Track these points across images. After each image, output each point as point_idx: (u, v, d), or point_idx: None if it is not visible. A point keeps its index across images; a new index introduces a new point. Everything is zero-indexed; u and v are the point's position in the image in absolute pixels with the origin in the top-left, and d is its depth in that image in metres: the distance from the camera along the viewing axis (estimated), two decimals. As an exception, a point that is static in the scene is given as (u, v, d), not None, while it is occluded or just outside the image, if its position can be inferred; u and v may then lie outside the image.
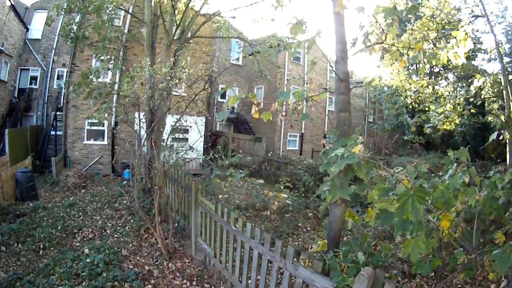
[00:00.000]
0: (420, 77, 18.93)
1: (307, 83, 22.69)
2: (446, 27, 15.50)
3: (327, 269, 3.38)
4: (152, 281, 5.42)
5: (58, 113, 17.17)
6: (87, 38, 10.25)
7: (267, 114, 3.97)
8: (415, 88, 18.05)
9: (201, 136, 8.46)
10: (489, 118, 16.62)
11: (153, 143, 7.32)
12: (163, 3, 11.64)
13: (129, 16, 15.46)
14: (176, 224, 6.99)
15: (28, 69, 19.54)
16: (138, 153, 7.31)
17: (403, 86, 18.75)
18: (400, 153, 22.49)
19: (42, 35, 19.72)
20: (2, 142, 13.62)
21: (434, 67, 23.69)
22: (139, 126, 7.69)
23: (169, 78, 6.65)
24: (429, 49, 5.37)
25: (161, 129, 9.27)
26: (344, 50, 4.51)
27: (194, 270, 5.86)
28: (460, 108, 15.85)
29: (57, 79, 19.33)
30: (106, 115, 7.88)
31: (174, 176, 7.27)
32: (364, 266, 3.15)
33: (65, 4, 9.83)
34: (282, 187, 7.71)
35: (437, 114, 15.76)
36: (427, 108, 18.47)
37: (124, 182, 12.29)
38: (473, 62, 19.81)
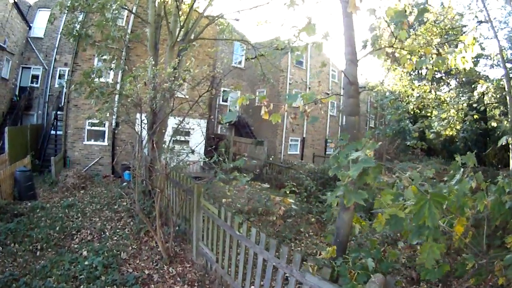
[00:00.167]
0: (423, 83, 18.94)
1: (309, 87, 22.66)
2: (450, 32, 15.48)
3: (336, 276, 3.32)
4: (152, 285, 5.29)
5: (58, 112, 17.05)
6: (90, 37, 10.16)
7: (276, 116, 3.87)
8: (417, 93, 18.01)
9: (203, 139, 8.35)
10: (493, 124, 16.60)
11: (154, 145, 7.21)
12: (167, 4, 11.58)
13: (132, 16, 15.40)
14: (177, 228, 6.85)
15: (30, 68, 19.45)
16: (140, 155, 7.19)
17: (405, 91, 18.73)
18: (401, 158, 22.38)
19: (44, 33, 19.64)
20: (2, 140, 13.50)
21: (436, 73, 23.68)
22: (141, 127, 7.58)
23: (173, 78, 6.54)
24: (432, 54, 5.26)
25: (163, 131, 9.16)
26: (354, 52, 4.46)
27: (195, 275, 5.73)
28: (461, 114, 15.83)
29: (59, 78, 19.23)
30: (108, 115, 7.75)
31: (176, 179, 7.14)
32: (373, 272, 3.11)
33: (69, 2, 9.75)
34: (287, 192, 7.58)
35: (440, 120, 15.71)
36: (429, 114, 18.42)
37: (124, 183, 12.17)
38: (475, 68, 19.81)
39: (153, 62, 7.03)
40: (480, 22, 15.72)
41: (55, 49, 19.29)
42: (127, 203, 9.33)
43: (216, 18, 13.49)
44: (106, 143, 15.45)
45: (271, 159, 15.22)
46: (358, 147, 3.21)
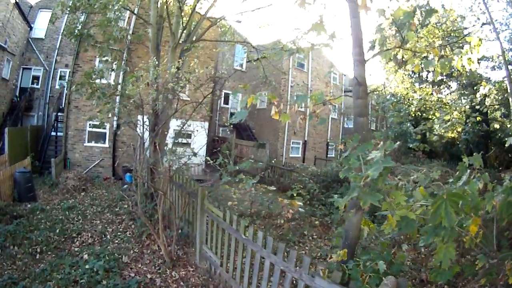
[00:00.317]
0: (425, 86, 18.92)
1: (310, 90, 22.58)
2: (452, 34, 15.45)
3: (347, 280, 3.29)
4: (155, 290, 5.17)
5: (59, 114, 16.90)
6: (92, 37, 10.06)
7: (285, 117, 3.80)
8: (420, 96, 17.97)
9: (205, 142, 8.26)
10: (495, 125, 16.58)
11: (157, 147, 7.11)
12: (169, 5, 11.51)
13: (133, 18, 15.34)
14: (180, 231, 6.73)
15: (30, 69, 19.34)
16: (142, 157, 7.08)
17: (407, 94, 18.70)
18: (403, 161, 22.30)
19: (45, 34, 19.56)
20: (2, 141, 13.38)
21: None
22: (143, 129, 7.49)
23: (177, 79, 6.44)
24: (435, 56, 5.28)
25: (166, 133, 9.06)
26: (361, 53, 4.43)
27: (198, 279, 5.62)
28: (463, 116, 15.81)
29: (59, 79, 19.14)
30: (110, 115, 7.65)
31: (179, 182, 7.04)
32: (384, 275, 3.10)
33: (70, 2, 9.66)
34: (294, 194, 7.47)
35: (443, 122, 15.65)
36: (430, 116, 18.38)
37: (125, 186, 12.01)
38: (477, 70, 19.81)
39: (157, 63, 6.93)
40: (482, 24, 15.70)
41: (56, 50, 19.19)
42: (128, 206, 9.20)
43: (218, 20, 13.43)
44: (107, 145, 15.31)
45: (273, 161, 15.09)
46: (369, 148, 3.15)
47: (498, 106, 17.02)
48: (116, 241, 7.02)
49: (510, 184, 3.71)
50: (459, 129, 16.91)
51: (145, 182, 7.41)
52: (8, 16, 16.13)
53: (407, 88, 18.46)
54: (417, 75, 24.30)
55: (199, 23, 11.89)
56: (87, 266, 5.61)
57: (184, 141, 9.08)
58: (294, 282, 3.79)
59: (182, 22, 11.21)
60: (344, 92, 25.13)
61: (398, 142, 3.53)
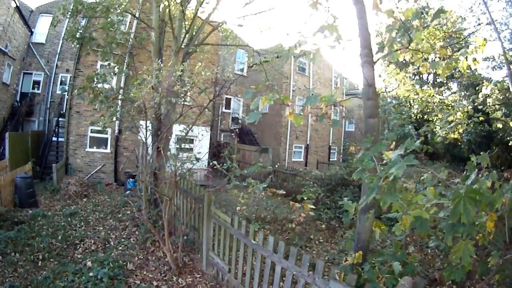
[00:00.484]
0: (426, 88, 18.92)
1: (312, 94, 22.52)
2: (453, 35, 15.45)
3: (361, 282, 3.27)
4: (161, 298, 5.03)
5: (60, 119, 16.83)
6: (94, 40, 9.97)
7: (299, 118, 3.72)
8: (422, 97, 17.92)
9: (208, 147, 8.17)
10: (498, 125, 16.59)
11: (161, 152, 7.00)
12: (171, 9, 11.45)
13: (135, 22, 15.34)
14: (185, 237, 6.59)
15: (31, 73, 19.29)
16: (146, 162, 6.97)
17: (408, 96, 18.69)
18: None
19: (46, 39, 19.56)
20: (2, 146, 13.26)
21: (438, 77, 23.70)
22: (145, 134, 7.39)
23: (182, 82, 6.34)
24: (436, 57, 5.32)
25: (169, 138, 8.95)
26: (370, 54, 4.44)
27: (206, 286, 5.51)
28: (465, 117, 15.78)
29: (60, 84, 19.11)
30: (114, 118, 7.54)
31: (184, 187, 6.92)
32: (399, 276, 3.09)
33: (72, 6, 9.59)
34: (305, 198, 7.35)
35: (446, 123, 15.60)
36: (431, 118, 18.33)
37: (128, 192, 11.93)
38: (479, 70, 19.87)
39: (162, 66, 6.83)
40: (486, 24, 15.74)
41: (57, 55, 19.20)
42: (131, 212, 9.08)
43: (220, 24, 13.38)
44: (108, 150, 15.20)
45: (276, 166, 14.99)
46: (382, 149, 3.13)
47: (499, 105, 17.04)
48: (120, 248, 6.88)
49: (518, 181, 3.74)
50: (461, 130, 16.88)
51: (150, 187, 7.27)
52: (9, 20, 16.08)
53: (408, 90, 18.42)
54: (417, 77, 24.31)
55: (201, 27, 11.84)
56: (91, 274, 5.48)
57: (187, 146, 9.01)
58: (307, 287, 3.74)
59: (185, 26, 11.15)
60: (346, 95, 25.12)
61: (419, 140, 3.47)
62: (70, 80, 15.90)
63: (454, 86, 24.04)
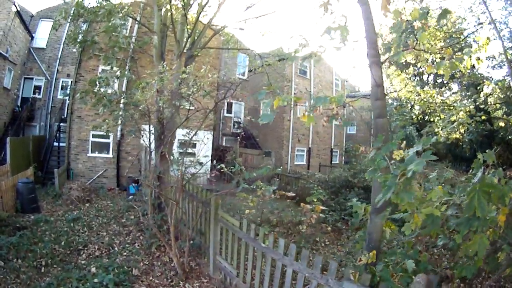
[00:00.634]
0: (427, 88, 18.94)
1: (313, 97, 22.48)
2: (453, 36, 15.47)
3: (376, 282, 3.30)
4: (169, 304, 4.92)
5: (61, 124, 16.74)
6: (96, 43, 9.91)
7: (310, 119, 3.69)
8: (424, 98, 17.94)
9: (210, 151, 8.10)
10: (500, 124, 16.61)
11: (166, 156, 6.91)
12: (173, 13, 11.41)
13: (136, 27, 15.32)
14: (191, 242, 6.49)
15: (32, 78, 19.28)
16: (152, 167, 6.88)
17: (409, 97, 18.70)
18: (407, 163, 22.18)
19: (47, 44, 19.57)
20: (4, 150, 13.17)
21: (438, 78, 23.77)
22: (149, 139, 7.32)
23: (188, 85, 6.26)
24: (437, 58, 5.40)
25: (173, 141, 8.87)
26: (377, 55, 4.44)
27: (213, 291, 5.36)
28: (467, 116, 15.78)
29: (61, 89, 19.09)
30: (119, 122, 7.47)
31: (190, 191, 6.83)
32: (413, 274, 3.12)
33: (73, 10, 9.55)
34: (315, 200, 7.27)
35: (449, 123, 15.61)
36: (433, 119, 18.34)
37: (130, 196, 11.84)
38: (479, 70, 19.96)
39: (167, 68, 6.76)
40: (482, 23, 15.81)
41: (58, 60, 19.19)
42: (135, 217, 8.98)
43: (222, 28, 13.35)
44: (110, 155, 15.12)
45: (279, 169, 14.90)
46: (393, 148, 3.21)
47: (500, 104, 17.11)
48: (125, 253, 6.78)
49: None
50: (462, 130, 16.91)
51: (155, 192, 7.18)
52: (9, 24, 16.06)
53: (410, 92, 18.43)
54: (418, 78, 24.35)
55: (203, 31, 11.80)
56: (95, 280, 5.38)
57: (190, 150, 8.91)
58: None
59: (187, 30, 11.11)
60: (347, 97, 25.08)
61: (435, 137, 3.49)
62: (71, 85, 15.84)
63: (454, 86, 24.10)
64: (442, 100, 18.38)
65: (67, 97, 17.14)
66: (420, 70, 23.50)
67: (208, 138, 7.41)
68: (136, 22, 13.87)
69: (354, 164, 12.80)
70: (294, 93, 22.00)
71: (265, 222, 8.60)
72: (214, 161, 13.22)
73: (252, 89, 23.21)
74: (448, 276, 5.26)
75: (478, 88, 17.26)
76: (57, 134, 16.57)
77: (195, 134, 6.36)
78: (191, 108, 7.05)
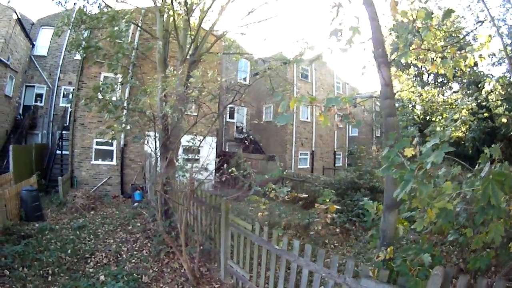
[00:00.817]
0: (429, 88, 19.00)
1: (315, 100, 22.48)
2: (453, 35, 15.52)
3: (394, 277, 3.37)
4: (182, 311, 4.82)
5: (64, 132, 16.69)
6: (100, 49, 9.87)
7: (326, 120, 3.68)
8: (426, 98, 17.95)
9: (214, 157, 8.06)
10: (503, 120, 16.62)
11: (174, 161, 6.85)
12: (176, 18, 11.41)
13: (137, 33, 15.31)
14: (201, 247, 6.40)
15: (33, 86, 19.27)
16: (159, 173, 6.82)
17: (410, 98, 18.73)
18: (410, 162, 22.16)
19: (48, 52, 19.59)
20: (6, 158, 13.10)
21: (439, 77, 23.81)
22: (155, 145, 7.28)
23: (193, 89, 6.21)
24: (438, 57, 5.51)
25: (178, 147, 8.81)
26: (385, 55, 4.51)
27: (225, 296, 5.27)
28: (469, 114, 15.77)
29: (63, 97, 19.07)
30: (128, 127, 7.42)
31: (199, 196, 6.77)
32: (430, 267, 3.18)
33: (74, 15, 9.52)
34: (327, 200, 7.20)
35: (452, 121, 15.58)
36: (435, 118, 18.35)
37: (136, 204, 11.74)
38: (479, 68, 20.03)
39: (175, 73, 6.73)
40: (481, 22, 15.89)
41: (59, 68, 19.18)
42: (142, 224, 8.88)
43: (224, 33, 13.34)
44: (114, 162, 15.04)
45: (284, 173, 14.83)
46: (406, 145, 3.23)
47: (501, 101, 17.17)
48: (133, 261, 6.68)
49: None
50: (463, 128, 16.94)
51: (163, 197, 7.09)
52: (10, 32, 16.07)
53: (412, 92, 18.45)
54: (418, 78, 24.40)
55: (205, 37, 11.80)
56: (105, 288, 5.27)
57: (196, 156, 8.86)
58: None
59: (191, 35, 11.10)
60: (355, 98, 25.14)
61: (457, 123, 3.54)
62: (73, 93, 15.81)
63: (455, 85, 24.12)
64: (443, 99, 18.43)
65: (69, 105, 17.08)
66: (421, 70, 23.56)
67: (212, 146, 7.36)
68: (138, 28, 13.85)
69: (359, 166, 12.72)
70: (296, 97, 22.00)
71: (274, 225, 8.51)
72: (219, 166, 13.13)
73: (254, 94, 23.22)
74: (462, 269, 5.25)
75: (479, 85, 17.32)
76: (60, 142, 16.50)
77: (204, 139, 6.32)
78: (194, 114, 7.01)
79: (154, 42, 11.37)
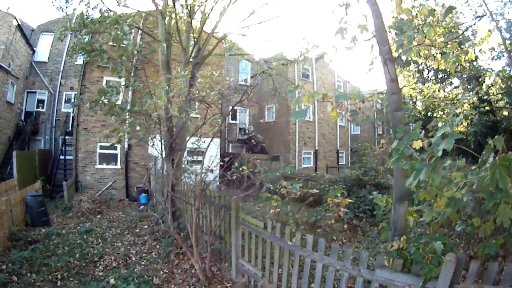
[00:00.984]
0: (430, 84, 19.03)
1: (317, 100, 22.45)
2: (453, 30, 15.53)
3: (409, 266, 3.45)
4: (195, 311, 4.79)
5: (66, 137, 16.68)
6: (104, 52, 9.86)
7: (337, 115, 3.77)
8: (427, 94, 17.97)
9: (218, 158, 8.07)
10: (504, 113, 16.65)
11: (181, 163, 6.84)
12: (178, 20, 11.42)
13: (139, 37, 15.31)
14: (212, 247, 6.37)
15: (35, 92, 19.29)
16: (167, 175, 6.80)
17: (411, 94, 18.75)
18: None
19: (48, 58, 19.61)
20: (10, 165, 13.07)
21: (439, 73, 23.81)
22: (161, 147, 7.26)
23: (208, 90, 6.22)
24: (437, 53, 5.58)
25: (185, 148, 8.80)
26: (389, 52, 4.63)
27: (238, 295, 5.23)
28: (471, 108, 15.80)
29: (65, 102, 19.06)
30: (138, 128, 7.42)
31: (208, 196, 6.73)
32: (442, 254, 3.26)
33: (74, 19, 9.53)
34: (338, 195, 7.18)
35: (454, 116, 15.52)
36: (437, 114, 18.37)
37: (142, 207, 11.73)
38: (479, 62, 20.08)
39: (180, 74, 6.72)
40: (480, 17, 15.93)
41: (60, 73, 19.20)
42: (149, 226, 8.85)
43: (226, 35, 13.35)
44: (119, 166, 15.00)
45: (289, 173, 14.80)
46: (414, 138, 3.32)
47: (502, 94, 17.22)
48: (143, 263, 6.64)
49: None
50: (465, 123, 17.00)
51: (171, 199, 7.07)
52: (10, 38, 16.09)
53: (414, 89, 18.46)
54: (419, 75, 24.41)
55: (207, 39, 11.82)
56: (116, 291, 5.24)
57: (200, 158, 8.82)
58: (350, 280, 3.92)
59: (193, 38, 11.11)
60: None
61: (459, 117, 3.61)
62: (75, 98, 15.81)
63: (455, 80, 24.12)
64: (444, 95, 18.45)
65: (71, 110, 17.09)
66: (421, 67, 23.58)
67: (216, 145, 7.37)
68: (139, 31, 13.84)
69: (364, 162, 12.73)
70: (298, 97, 22.01)
71: (283, 223, 8.49)
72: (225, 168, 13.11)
73: (256, 94, 23.19)
74: (472, 256, 5.25)
75: (480, 80, 17.34)
76: (63, 147, 16.49)
77: (211, 140, 6.31)
78: (197, 116, 7.01)
79: (157, 45, 11.37)
